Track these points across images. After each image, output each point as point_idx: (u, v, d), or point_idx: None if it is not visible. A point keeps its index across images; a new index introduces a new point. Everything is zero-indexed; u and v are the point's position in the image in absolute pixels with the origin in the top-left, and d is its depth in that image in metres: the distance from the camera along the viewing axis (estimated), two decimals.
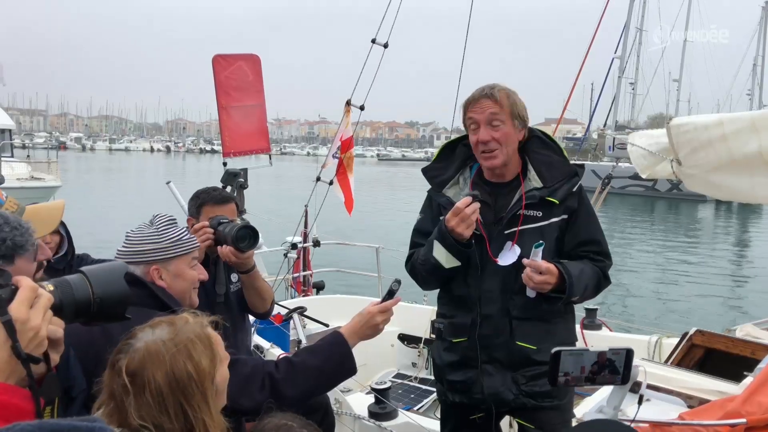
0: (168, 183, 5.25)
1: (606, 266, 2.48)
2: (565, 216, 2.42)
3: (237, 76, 5.61)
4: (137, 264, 2.03)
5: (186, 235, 2.12)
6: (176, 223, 2.13)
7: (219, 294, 2.75)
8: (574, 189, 2.43)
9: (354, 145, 6.31)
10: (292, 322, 4.79)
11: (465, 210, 2.27)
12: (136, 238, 2.06)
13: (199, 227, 2.61)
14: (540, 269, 2.25)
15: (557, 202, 2.39)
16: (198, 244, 2.19)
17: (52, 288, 1.19)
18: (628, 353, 1.91)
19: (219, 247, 2.62)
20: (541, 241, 2.28)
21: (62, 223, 3.18)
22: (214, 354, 1.46)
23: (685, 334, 3.76)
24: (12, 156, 22.79)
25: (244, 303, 2.87)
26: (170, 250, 2.05)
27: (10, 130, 23.76)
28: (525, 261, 2.29)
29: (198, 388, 1.39)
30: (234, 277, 2.85)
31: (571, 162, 2.50)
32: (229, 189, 4.65)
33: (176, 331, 1.44)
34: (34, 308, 1.10)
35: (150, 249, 2.04)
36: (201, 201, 2.79)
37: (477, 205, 2.29)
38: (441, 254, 2.37)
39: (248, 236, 2.60)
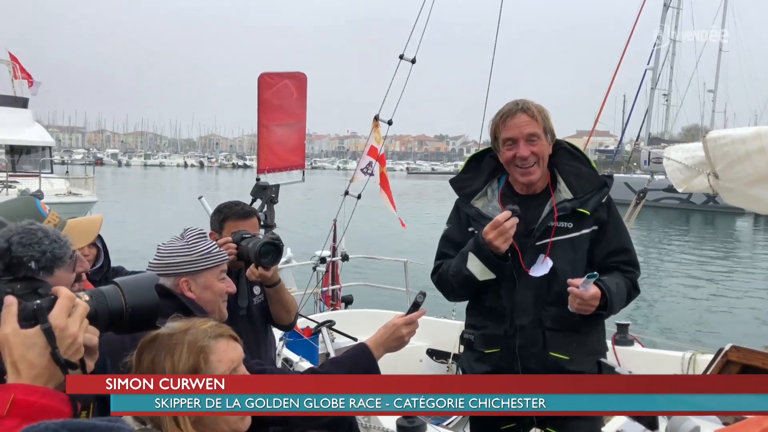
0: (200, 198, 5.36)
1: (635, 276, 2.49)
2: (595, 227, 2.43)
3: (282, 95, 5.65)
4: (167, 276, 2.07)
5: (215, 248, 2.16)
6: (206, 236, 2.18)
7: (241, 307, 2.75)
8: (604, 200, 2.44)
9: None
10: (320, 335, 4.83)
11: (504, 224, 2.28)
12: (166, 251, 2.11)
13: (222, 242, 2.61)
14: (583, 297, 2.25)
15: (588, 213, 2.41)
16: (227, 258, 2.23)
17: (87, 298, 1.25)
18: None
19: (249, 269, 2.65)
20: (595, 272, 2.27)
21: (99, 236, 3.27)
22: (197, 365, 1.49)
23: (720, 350, 3.66)
24: (51, 172, 23.45)
25: (266, 316, 2.89)
26: (200, 262, 2.10)
27: (50, 147, 24.48)
28: (572, 289, 2.27)
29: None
30: (256, 290, 2.87)
31: (600, 173, 2.51)
32: (258, 202, 4.70)
33: (178, 329, 1.52)
34: (72, 317, 1.16)
35: (180, 262, 2.08)
36: (224, 215, 2.81)
37: (516, 219, 2.31)
38: (476, 267, 2.38)
39: (271, 252, 2.61)
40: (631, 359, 4.48)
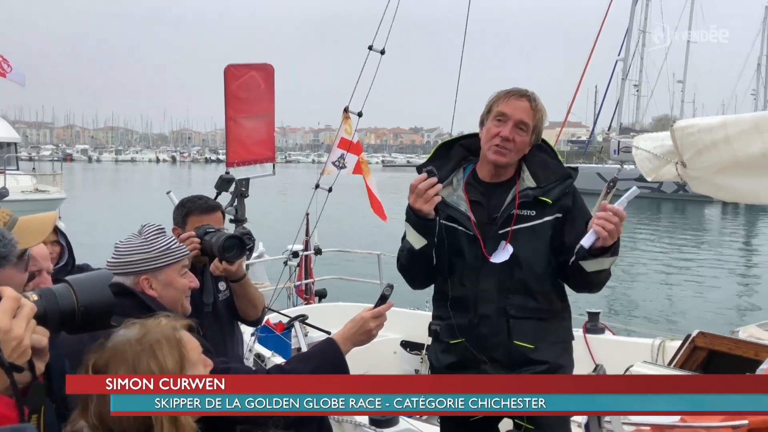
0: (168, 193, 5.28)
1: None
2: (559, 215, 2.43)
3: (248, 86, 5.58)
4: (127, 275, 2.02)
5: (175, 243, 2.12)
6: (165, 232, 2.13)
7: (207, 303, 2.71)
8: (568, 190, 2.45)
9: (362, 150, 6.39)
10: (293, 330, 4.80)
11: (419, 186, 2.25)
12: (124, 249, 2.06)
13: (186, 237, 2.57)
14: (621, 215, 2.18)
15: (550, 201, 2.41)
16: (188, 252, 2.19)
17: (36, 298, 1.20)
18: None
19: (213, 263, 2.61)
20: (635, 187, 2.24)
21: (63, 234, 3.20)
22: (182, 356, 1.45)
23: (688, 336, 3.74)
24: (17, 169, 22.98)
25: (232, 311, 2.85)
26: (159, 259, 2.05)
27: (15, 143, 24.00)
28: (610, 207, 2.19)
29: None
30: (222, 285, 2.83)
31: (566, 165, 2.53)
32: (225, 196, 4.64)
33: (145, 331, 1.46)
34: (17, 318, 1.11)
35: (139, 259, 2.04)
36: (187, 210, 2.76)
37: (433, 179, 2.26)
38: (411, 235, 2.39)
39: (235, 246, 2.57)
40: (602, 347, 4.54)
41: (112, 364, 1.41)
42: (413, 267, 2.51)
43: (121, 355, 1.42)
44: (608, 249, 2.27)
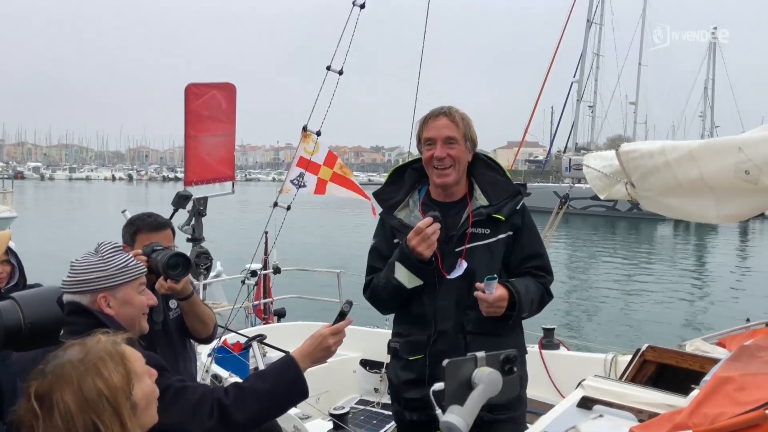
0: (123, 212, 5.19)
1: (548, 282, 2.60)
2: (510, 232, 2.53)
3: (209, 105, 5.54)
4: (84, 293, 1.99)
5: (132, 261, 2.09)
6: (121, 249, 2.10)
7: (156, 322, 2.67)
8: (518, 207, 2.55)
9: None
10: (251, 350, 4.75)
11: (426, 230, 2.35)
12: (81, 268, 2.02)
13: (132, 255, 2.56)
14: (487, 300, 2.35)
15: (503, 218, 2.51)
16: (145, 270, 2.17)
17: None
18: None
19: (158, 281, 2.58)
20: (494, 275, 2.36)
21: (14, 253, 3.14)
22: (128, 370, 1.44)
23: (638, 350, 3.83)
24: None
25: (184, 329, 2.83)
26: (117, 277, 2.02)
27: None
28: (477, 294, 2.37)
29: (110, 404, 1.37)
30: (173, 303, 2.80)
31: (515, 182, 2.62)
32: (182, 213, 4.58)
33: (86, 350, 1.43)
34: None
35: (96, 277, 2.00)
36: (136, 228, 2.74)
37: (438, 225, 2.38)
38: (403, 275, 2.44)
39: (180, 264, 2.55)
40: (557, 362, 4.63)
41: (56, 387, 1.36)
42: (394, 301, 2.56)
43: (65, 377, 1.37)
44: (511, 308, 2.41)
